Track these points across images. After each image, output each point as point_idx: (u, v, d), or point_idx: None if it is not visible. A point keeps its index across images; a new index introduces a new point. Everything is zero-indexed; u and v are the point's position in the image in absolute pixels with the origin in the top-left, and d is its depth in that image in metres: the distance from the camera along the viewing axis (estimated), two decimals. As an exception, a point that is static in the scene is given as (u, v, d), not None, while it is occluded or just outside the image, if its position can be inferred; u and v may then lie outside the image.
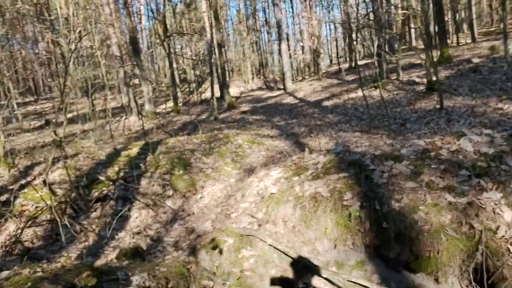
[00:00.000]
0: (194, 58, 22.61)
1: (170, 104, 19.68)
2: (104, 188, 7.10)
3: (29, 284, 2.13)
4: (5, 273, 2.47)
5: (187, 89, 27.53)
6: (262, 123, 13.29)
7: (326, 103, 14.73)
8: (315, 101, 15.87)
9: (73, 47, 7.88)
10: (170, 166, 7.37)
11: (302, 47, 29.72)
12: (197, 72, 25.78)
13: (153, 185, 7.00)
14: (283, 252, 3.87)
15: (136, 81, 24.20)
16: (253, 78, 29.92)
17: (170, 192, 6.80)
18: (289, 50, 24.25)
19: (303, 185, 4.17)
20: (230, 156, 7.77)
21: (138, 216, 6.47)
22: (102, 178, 6.64)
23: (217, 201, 5.76)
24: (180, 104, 20.73)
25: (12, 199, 6.55)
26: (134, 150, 8.33)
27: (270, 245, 3.89)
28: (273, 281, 3.83)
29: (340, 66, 23.81)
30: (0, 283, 2.26)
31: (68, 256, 5.97)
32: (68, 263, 2.78)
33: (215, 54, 19.42)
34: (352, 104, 13.00)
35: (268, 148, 8.44)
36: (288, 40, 25.87)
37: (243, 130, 11.41)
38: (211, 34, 20.47)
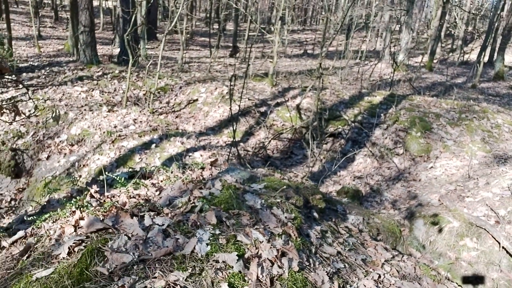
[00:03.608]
0: (473, 12, 19.48)
1: (425, 58, 18.14)
2: (340, 126, 7.56)
3: (280, 185, 2.60)
4: (263, 171, 3.08)
5: (449, 46, 24.49)
6: (536, 106, 10.70)
7: None
8: None
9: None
10: (408, 124, 7.08)
11: None
12: (469, 29, 22.28)
13: (386, 138, 6.96)
14: (518, 263, 3.30)
15: (397, 27, 23.15)
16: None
17: (401, 151, 6.62)
18: None
19: None
20: (480, 134, 6.76)
21: (363, 162, 6.68)
22: (344, 116, 7.03)
23: (450, 178, 5.26)
24: (435, 61, 18.85)
25: (268, 112, 7.87)
26: (377, 98, 8.32)
27: (503, 248, 3.37)
28: (465, 279, 3.48)
29: None
30: (259, 177, 2.85)
31: (296, 174, 6.90)
32: (306, 182, 3.21)
33: (502, 10, 16.13)
34: None
35: (536, 139, 6.85)
36: None
37: (507, 109, 9.53)
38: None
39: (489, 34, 16.72)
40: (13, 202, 5.46)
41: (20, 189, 5.70)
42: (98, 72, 8.77)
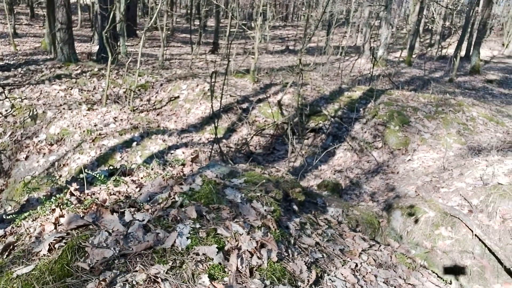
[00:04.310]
0: (450, 7, 19.91)
1: (404, 53, 18.51)
2: (320, 122, 7.67)
3: (260, 179, 2.66)
4: (243, 166, 3.13)
5: (428, 41, 25.01)
6: (510, 99, 11.08)
7: None
8: None
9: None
10: (387, 118, 7.23)
11: None
12: (447, 24, 22.75)
13: (365, 132, 7.10)
14: (489, 249, 3.45)
15: (376, 22, 23.48)
16: (515, 42, 24.37)
17: (379, 144, 6.77)
18: None
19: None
20: (456, 127, 6.97)
21: (343, 156, 6.80)
22: (325, 112, 7.14)
23: (426, 169, 5.42)
24: (414, 56, 19.24)
25: (250, 108, 7.92)
26: (357, 93, 8.47)
27: (476, 235, 3.52)
28: (447, 270, 3.59)
29: None
30: (240, 172, 2.90)
31: (277, 169, 6.98)
32: (286, 176, 3.28)
33: (478, 5, 16.56)
34: None
35: (509, 131, 7.11)
36: None
37: (482, 102, 9.84)
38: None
39: (466, 29, 17.15)
40: (-9, 204, 5.36)
41: (-2, 190, 5.60)
42: (77, 70, 8.63)
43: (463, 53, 18.48)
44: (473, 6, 17.57)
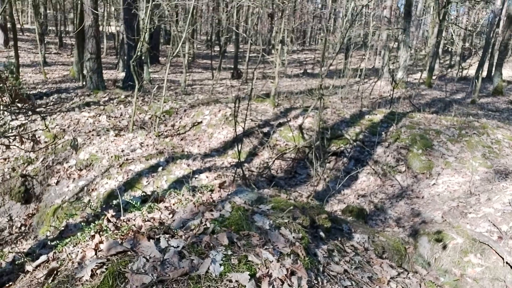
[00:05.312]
0: (469, 28, 19.86)
1: (424, 75, 18.43)
2: (342, 145, 7.68)
3: (287, 206, 2.71)
4: (269, 191, 3.19)
5: (448, 62, 24.84)
6: (535, 120, 10.82)
7: None
8: None
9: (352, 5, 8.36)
10: (410, 142, 7.19)
11: None
12: (467, 45, 22.63)
13: (388, 155, 7.06)
14: (522, 278, 3.35)
15: (395, 45, 23.56)
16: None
17: (403, 168, 6.72)
18: None
19: None
20: (481, 150, 6.86)
21: (366, 181, 6.77)
22: (346, 135, 7.17)
23: (452, 194, 5.34)
24: (434, 77, 19.13)
25: (271, 132, 8.02)
26: (378, 116, 8.47)
27: (507, 263, 3.43)
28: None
29: None
30: (266, 198, 2.96)
31: (300, 193, 6.99)
32: (311, 201, 3.31)
33: (498, 26, 16.46)
34: None
35: (537, 154, 6.94)
36: None
37: (506, 124, 9.66)
38: (503, 1, 17.23)
39: (487, 50, 17.02)
40: (23, 228, 5.56)
41: (30, 215, 5.80)
42: (105, 97, 9.00)
43: (484, 73, 18.27)
44: (493, 28, 17.47)
